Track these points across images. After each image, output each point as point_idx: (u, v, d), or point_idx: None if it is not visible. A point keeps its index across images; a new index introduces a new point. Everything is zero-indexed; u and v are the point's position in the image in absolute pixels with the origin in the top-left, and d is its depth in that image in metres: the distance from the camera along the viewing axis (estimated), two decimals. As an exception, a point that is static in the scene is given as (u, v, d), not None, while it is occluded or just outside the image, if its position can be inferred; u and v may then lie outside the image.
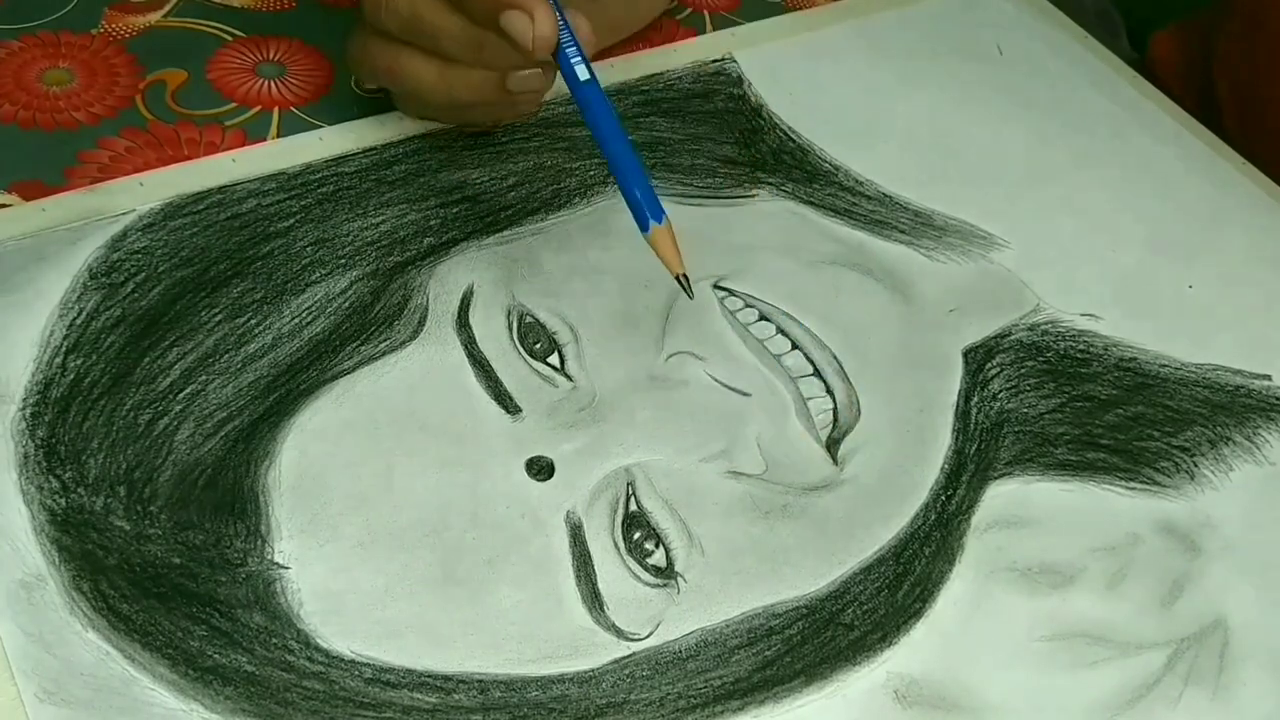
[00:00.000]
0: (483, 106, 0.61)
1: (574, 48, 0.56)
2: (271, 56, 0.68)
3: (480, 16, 0.55)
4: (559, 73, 0.57)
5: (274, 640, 0.48)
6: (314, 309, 0.57)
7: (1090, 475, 0.57)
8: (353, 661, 0.48)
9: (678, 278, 0.53)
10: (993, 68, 0.74)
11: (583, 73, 0.56)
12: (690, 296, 0.54)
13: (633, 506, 0.53)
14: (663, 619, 0.50)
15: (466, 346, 0.57)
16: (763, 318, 0.60)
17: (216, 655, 0.47)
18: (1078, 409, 0.59)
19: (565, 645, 0.49)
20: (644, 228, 0.53)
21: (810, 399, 0.57)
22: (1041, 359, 0.61)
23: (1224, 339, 0.63)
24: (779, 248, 0.63)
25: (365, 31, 0.60)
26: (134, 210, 0.59)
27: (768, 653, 0.50)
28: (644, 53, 0.72)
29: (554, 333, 0.57)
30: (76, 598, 0.48)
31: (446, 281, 0.59)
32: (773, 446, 0.56)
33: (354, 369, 0.55)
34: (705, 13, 0.75)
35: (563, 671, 0.49)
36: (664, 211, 0.53)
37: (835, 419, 0.57)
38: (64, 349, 0.54)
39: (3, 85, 0.65)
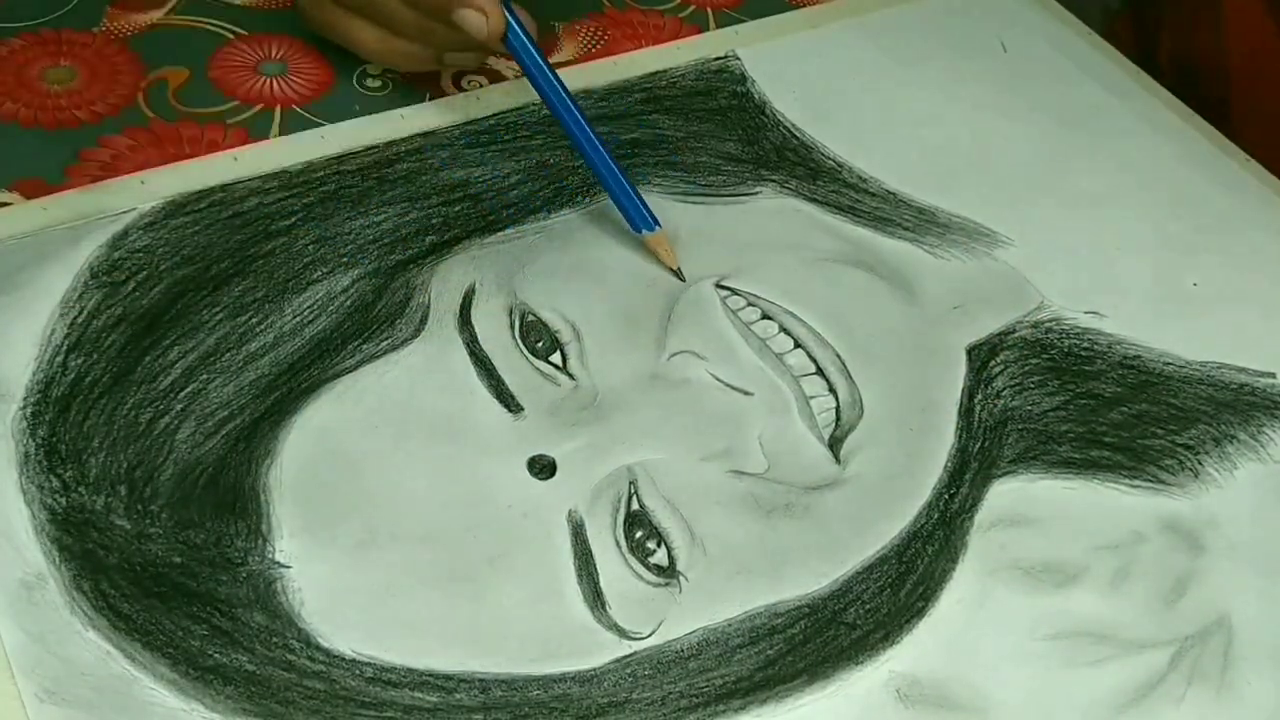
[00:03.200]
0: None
1: (528, 45, 0.61)
2: (273, 55, 0.68)
3: (433, 11, 0.62)
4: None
5: (275, 639, 0.48)
6: (315, 307, 0.57)
7: (1094, 473, 0.57)
8: (354, 660, 0.48)
9: (675, 271, 0.61)
10: (997, 64, 0.74)
11: (544, 74, 0.62)
12: (683, 280, 0.60)
13: (635, 505, 0.53)
14: (665, 618, 0.50)
15: (468, 345, 0.57)
16: (765, 316, 0.59)
17: (217, 655, 0.47)
18: (1082, 407, 0.59)
19: (567, 644, 0.49)
20: (637, 230, 0.60)
21: (813, 397, 0.57)
22: (1045, 356, 0.61)
23: (1228, 337, 0.63)
24: (782, 246, 0.63)
25: None
26: (135, 209, 0.59)
27: (770, 652, 0.50)
28: (647, 50, 0.72)
29: (556, 331, 0.57)
30: (77, 597, 0.48)
31: (449, 280, 0.59)
32: (775, 445, 0.55)
33: (356, 367, 0.55)
34: (708, 10, 0.75)
35: (564, 670, 0.49)
36: (657, 220, 0.60)
37: (838, 417, 0.57)
38: (65, 348, 0.54)
39: (4, 83, 0.64)
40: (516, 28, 0.61)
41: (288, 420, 0.53)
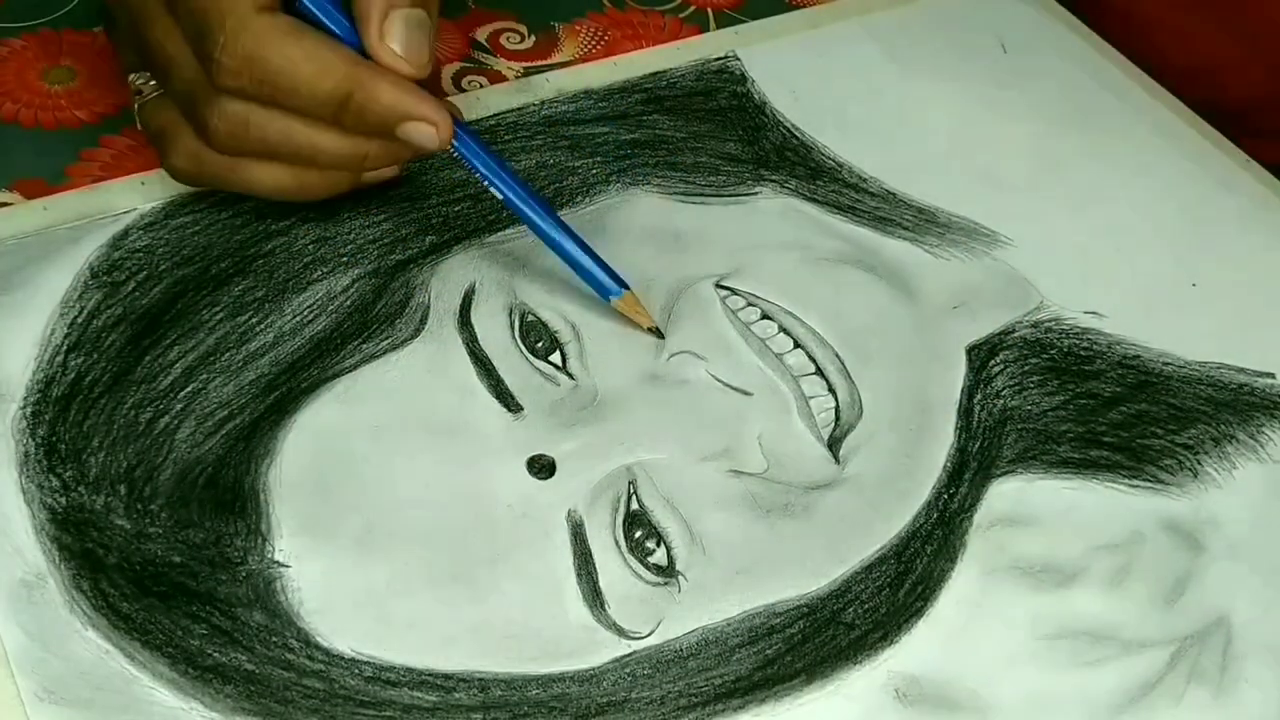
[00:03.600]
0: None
1: (471, 141, 0.57)
2: (274, 54, 0.68)
3: (374, 131, 0.55)
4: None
5: (274, 639, 0.48)
6: (315, 307, 0.57)
7: (1093, 473, 0.57)
8: (353, 660, 0.48)
9: (652, 329, 0.58)
10: (996, 64, 0.74)
11: (500, 179, 0.57)
12: (661, 338, 0.58)
13: (634, 505, 0.53)
14: (664, 617, 0.50)
15: (468, 345, 0.57)
16: (764, 316, 0.60)
17: (216, 654, 0.47)
18: (1081, 406, 0.59)
19: (566, 643, 0.49)
20: (606, 297, 0.58)
21: (812, 397, 0.57)
22: (1045, 356, 0.61)
23: (1228, 337, 0.63)
24: (781, 245, 0.63)
25: (191, 141, 0.56)
26: (135, 209, 0.60)
27: (768, 651, 0.50)
28: (647, 50, 0.72)
29: (556, 331, 0.57)
30: (76, 596, 0.48)
31: (448, 279, 0.59)
32: (774, 445, 0.56)
33: (355, 367, 0.55)
34: (708, 10, 0.75)
35: (563, 670, 0.49)
36: (623, 282, 0.58)
37: (837, 417, 0.57)
38: (65, 347, 0.54)
39: (4, 83, 0.65)
40: (459, 128, 0.56)
41: (287, 420, 0.53)
